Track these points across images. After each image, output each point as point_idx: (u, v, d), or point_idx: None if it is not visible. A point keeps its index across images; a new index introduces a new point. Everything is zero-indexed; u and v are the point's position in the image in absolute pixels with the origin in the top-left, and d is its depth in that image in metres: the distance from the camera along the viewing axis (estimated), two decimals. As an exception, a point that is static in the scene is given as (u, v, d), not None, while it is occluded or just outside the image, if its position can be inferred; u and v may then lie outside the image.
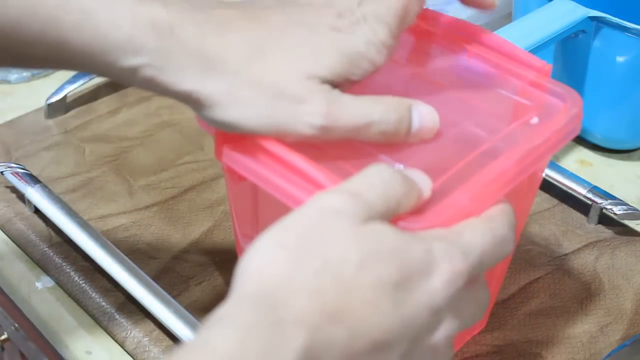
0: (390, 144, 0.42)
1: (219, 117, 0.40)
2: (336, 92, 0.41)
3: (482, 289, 0.39)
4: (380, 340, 0.34)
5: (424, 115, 0.42)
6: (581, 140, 0.75)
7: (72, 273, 0.58)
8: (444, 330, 0.36)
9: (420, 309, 0.35)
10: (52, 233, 0.61)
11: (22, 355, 0.73)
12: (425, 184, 0.38)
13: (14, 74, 0.80)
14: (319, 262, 0.33)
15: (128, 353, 0.54)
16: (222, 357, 0.31)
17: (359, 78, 0.42)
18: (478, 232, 0.37)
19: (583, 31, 0.66)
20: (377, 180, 0.36)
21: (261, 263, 0.34)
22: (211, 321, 0.32)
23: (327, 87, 0.40)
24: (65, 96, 0.74)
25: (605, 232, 0.65)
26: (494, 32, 0.50)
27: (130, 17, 0.40)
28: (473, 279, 0.37)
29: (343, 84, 0.41)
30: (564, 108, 0.45)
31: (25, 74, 0.80)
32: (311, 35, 0.41)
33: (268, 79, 0.40)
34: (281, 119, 0.40)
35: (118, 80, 0.42)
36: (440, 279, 0.35)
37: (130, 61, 0.40)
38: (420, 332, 0.35)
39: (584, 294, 0.59)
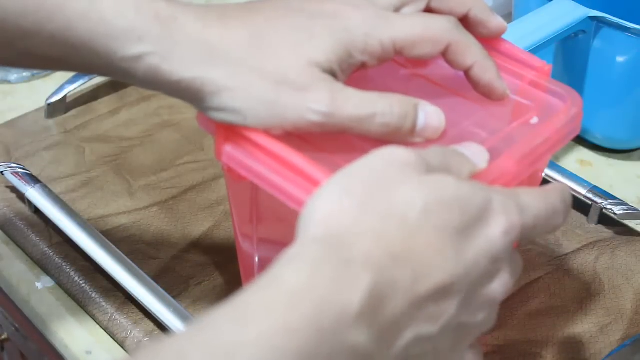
0: (394, 142, 0.42)
1: (222, 104, 0.41)
2: (340, 84, 0.41)
3: (519, 257, 0.39)
4: (443, 284, 0.34)
5: (430, 114, 0.42)
6: (581, 140, 0.75)
7: (72, 273, 0.58)
8: (501, 280, 0.37)
9: (481, 255, 0.35)
10: (52, 233, 0.61)
11: (22, 355, 0.73)
12: (480, 157, 0.40)
13: (14, 74, 0.79)
14: (384, 207, 0.34)
15: (128, 353, 0.54)
16: (292, 291, 0.31)
17: (357, 64, 0.42)
18: (534, 196, 0.38)
19: (583, 31, 0.66)
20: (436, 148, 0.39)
21: (327, 210, 0.35)
22: (279, 261, 0.33)
23: (329, 77, 0.41)
24: (65, 96, 0.74)
25: (605, 232, 0.65)
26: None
27: (135, 6, 0.41)
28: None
29: (341, 76, 0.42)
30: (564, 108, 0.45)
31: (26, 74, 0.79)
32: (309, 21, 0.42)
33: (270, 66, 0.41)
34: (285, 106, 0.40)
35: (119, 75, 0.42)
36: (498, 227, 0.36)
37: (134, 49, 0.41)
38: (480, 279, 0.36)
39: (584, 294, 0.59)
